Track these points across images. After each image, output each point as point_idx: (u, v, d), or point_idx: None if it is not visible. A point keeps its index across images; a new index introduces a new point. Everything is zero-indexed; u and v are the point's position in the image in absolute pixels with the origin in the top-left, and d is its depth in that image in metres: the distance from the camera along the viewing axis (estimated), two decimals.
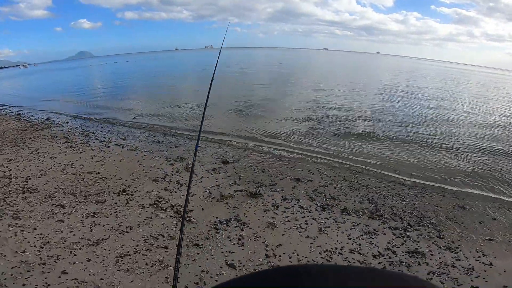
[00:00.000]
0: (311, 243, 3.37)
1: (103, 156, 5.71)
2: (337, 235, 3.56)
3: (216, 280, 2.71)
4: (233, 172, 5.15)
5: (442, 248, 3.42)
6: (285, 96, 14.68)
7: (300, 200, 4.30)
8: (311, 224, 3.75)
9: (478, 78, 44.23)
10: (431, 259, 3.21)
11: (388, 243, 3.46)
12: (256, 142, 7.23)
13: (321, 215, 3.99)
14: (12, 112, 11.69)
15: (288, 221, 3.76)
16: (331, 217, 3.96)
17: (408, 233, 3.69)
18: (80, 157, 5.67)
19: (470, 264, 3.13)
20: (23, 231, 3.38)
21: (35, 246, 3.12)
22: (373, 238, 3.53)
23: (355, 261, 3.11)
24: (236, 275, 2.73)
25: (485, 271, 3.03)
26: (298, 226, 3.68)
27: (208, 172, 5.09)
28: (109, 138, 7.03)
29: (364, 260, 3.14)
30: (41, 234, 3.30)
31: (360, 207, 4.30)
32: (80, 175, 4.86)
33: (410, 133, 8.51)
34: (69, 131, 7.83)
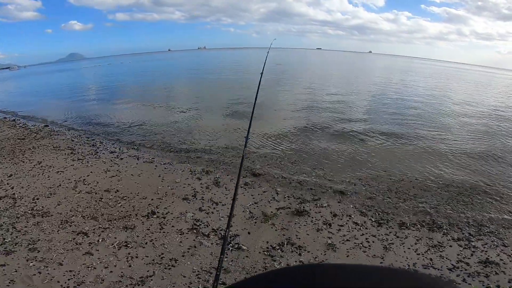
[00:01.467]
0: (381, 262, 2.97)
1: (118, 170, 5.10)
2: (404, 252, 3.23)
3: None
4: (267, 186, 4.65)
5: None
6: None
7: (352, 216, 3.85)
8: (373, 241, 3.35)
9: (472, 77, 44.86)
10: (505, 268, 3.01)
11: (458, 254, 3.22)
12: (285, 147, 6.75)
13: (380, 231, 3.59)
14: (5, 118, 10.87)
15: (347, 240, 3.33)
16: (390, 232, 3.58)
17: (473, 243, 3.44)
18: (91, 172, 5.06)
19: None
20: (46, 267, 2.81)
21: (68, 287, 2.57)
22: (441, 252, 3.26)
23: (434, 276, 2.68)
24: None
25: None
26: (360, 244, 3.28)
27: (240, 187, 4.59)
28: (120, 148, 6.37)
29: (442, 274, 2.82)
30: (70, 271, 2.74)
31: (416, 219, 3.93)
32: (96, 193, 4.27)
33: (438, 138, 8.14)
34: (73, 140, 7.13)
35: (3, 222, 3.61)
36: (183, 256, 2.97)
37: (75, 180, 4.70)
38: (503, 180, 5.46)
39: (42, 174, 5.07)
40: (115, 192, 4.29)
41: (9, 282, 2.66)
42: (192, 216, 3.67)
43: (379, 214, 4.00)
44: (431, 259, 3.11)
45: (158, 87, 19.85)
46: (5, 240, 3.26)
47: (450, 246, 3.37)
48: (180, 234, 3.31)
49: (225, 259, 2.94)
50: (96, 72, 44.49)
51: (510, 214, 4.27)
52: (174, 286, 2.61)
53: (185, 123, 9.11)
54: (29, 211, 3.86)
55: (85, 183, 4.61)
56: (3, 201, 4.20)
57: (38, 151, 6.41)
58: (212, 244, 3.17)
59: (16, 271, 2.79)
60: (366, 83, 22.49)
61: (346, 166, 5.70)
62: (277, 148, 6.70)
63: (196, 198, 4.13)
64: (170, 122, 9.15)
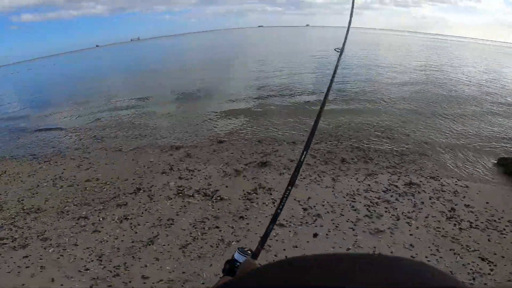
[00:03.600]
0: (333, 191, 3.92)
1: (90, 163, 5.37)
2: (348, 181, 4.19)
3: (277, 240, 3.07)
4: (234, 149, 5.38)
5: (428, 178, 4.24)
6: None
7: (305, 159, 4.78)
8: (324, 176, 4.31)
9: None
10: (425, 187, 3.97)
11: (388, 179, 4.19)
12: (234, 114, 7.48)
13: (327, 167, 4.57)
14: None
15: (304, 178, 4.24)
16: (335, 167, 4.57)
17: (398, 170, 4.47)
18: (64, 169, 5.26)
19: (453, 188, 3.97)
20: (65, 249, 3.22)
21: (92, 261, 3.02)
22: (375, 178, 4.24)
23: (373, 198, 3.72)
24: (289, 231, 3.16)
25: (466, 192, 3.88)
26: (314, 180, 4.20)
27: (210, 154, 5.24)
28: (84, 145, 6.49)
29: (380, 196, 3.77)
30: (87, 248, 3.20)
31: (354, 155, 5.00)
32: (78, 185, 4.60)
33: None
34: (29, 147, 6.97)
35: (3, 224, 3.81)
36: (177, 215, 3.61)
37: (51, 179, 4.91)
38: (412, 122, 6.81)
39: (14, 180, 5.13)
40: (96, 180, 4.66)
41: (41, 268, 2.98)
42: (175, 183, 4.28)
43: (325, 155, 5.00)
44: (369, 185, 4.03)
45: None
46: (15, 237, 3.51)
47: (382, 173, 4.36)
48: (169, 200, 3.92)
49: (212, 209, 3.65)
50: (17, 80, 39.06)
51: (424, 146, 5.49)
52: (178, 238, 3.25)
53: (139, 115, 9.20)
54: (21, 211, 4.08)
55: (62, 179, 4.87)
56: None
57: None
58: (198, 201, 3.85)
59: (40, 259, 3.11)
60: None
61: (294, 122, 6.66)
62: (236, 118, 7.41)
63: (173, 170, 4.72)
64: (126, 116, 9.14)
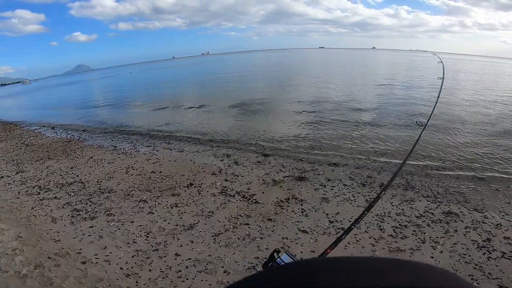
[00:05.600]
0: (364, 210, 4.05)
1: (157, 158, 6.43)
2: (382, 204, 4.24)
3: (297, 243, 3.39)
4: (275, 162, 5.86)
5: (471, 209, 4.08)
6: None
7: (342, 180, 4.99)
8: (358, 196, 4.45)
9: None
10: (464, 218, 3.86)
11: (425, 207, 4.14)
12: (285, 132, 7.96)
13: (363, 189, 4.69)
14: (44, 126, 12.44)
15: (338, 195, 4.46)
16: (372, 190, 4.66)
17: (439, 199, 4.37)
18: (136, 161, 6.39)
19: (498, 221, 3.77)
20: (123, 225, 4.00)
21: (141, 236, 3.71)
22: (411, 204, 4.22)
23: (403, 221, 3.77)
24: (311, 238, 3.45)
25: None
26: (348, 198, 4.38)
27: (254, 164, 5.80)
28: (154, 143, 7.77)
29: (410, 220, 3.80)
30: (140, 225, 3.94)
31: (394, 182, 5.00)
32: (145, 175, 5.58)
33: None
34: (112, 140, 8.57)
35: (82, 199, 4.90)
36: (217, 209, 4.20)
37: (125, 167, 6.03)
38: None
39: (97, 165, 6.43)
40: (159, 173, 5.59)
41: (99, 237, 3.76)
42: (221, 184, 4.92)
43: (364, 178, 5.11)
44: (402, 209, 4.08)
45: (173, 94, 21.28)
46: (88, 210, 4.50)
47: (420, 201, 4.33)
48: (214, 196, 4.55)
49: (246, 209, 4.15)
50: (109, 83, 46.53)
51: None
52: (213, 227, 3.80)
53: (201, 122, 10.48)
54: (98, 190, 5.17)
55: (134, 168, 5.94)
56: (75, 185, 5.52)
57: (86, 150, 7.82)
58: (236, 201, 4.38)
59: (101, 230, 3.93)
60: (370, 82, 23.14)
61: (340, 145, 6.86)
62: (284, 136, 7.91)
63: (221, 173, 5.39)
64: (190, 120, 10.52)
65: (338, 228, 3.62)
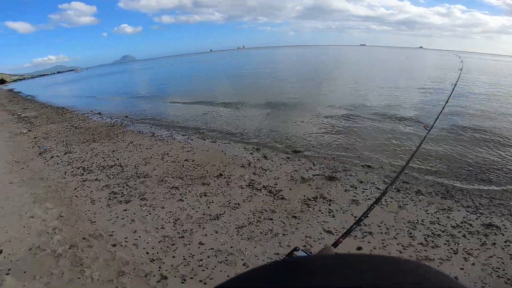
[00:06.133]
0: (395, 216, 3.86)
1: (191, 147, 6.65)
2: (416, 211, 4.01)
3: (320, 243, 3.33)
4: (306, 160, 5.76)
5: None
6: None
7: (375, 183, 4.77)
8: (391, 202, 4.23)
9: None
10: (506, 231, 3.53)
11: (464, 217, 3.83)
12: (319, 130, 7.79)
13: (398, 195, 4.45)
14: (91, 111, 13.43)
15: (369, 199, 4.28)
16: (407, 196, 4.41)
17: (480, 211, 4.02)
18: (171, 148, 6.67)
19: None
20: (154, 210, 4.19)
21: (169, 222, 3.86)
22: (448, 214, 3.93)
23: (437, 230, 3.53)
24: (335, 239, 3.36)
25: None
26: (380, 203, 4.18)
27: (284, 160, 5.76)
28: (189, 133, 8.09)
29: (445, 230, 3.55)
30: (170, 212, 4.11)
31: (432, 189, 4.69)
32: (179, 162, 5.80)
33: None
34: (151, 127, 9.03)
35: (120, 182, 5.21)
36: (243, 201, 4.24)
37: (161, 154, 6.32)
38: None
39: (136, 149, 6.80)
40: (192, 161, 5.78)
41: (131, 221, 3.97)
42: (249, 177, 4.96)
43: (399, 183, 4.84)
44: (438, 218, 3.82)
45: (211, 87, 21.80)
46: (124, 193, 4.76)
47: (458, 211, 4.03)
48: (241, 189, 4.60)
49: (272, 204, 4.14)
50: (151, 73, 48.94)
51: None
52: (238, 220, 3.86)
53: (234, 115, 10.62)
54: (134, 174, 5.47)
55: (169, 155, 6.20)
56: (114, 168, 5.89)
57: (127, 135, 8.30)
58: (262, 195, 4.40)
59: (134, 214, 4.14)
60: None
61: (376, 147, 6.55)
62: (317, 133, 7.74)
63: (250, 166, 5.43)
64: (223, 112, 10.71)
65: (365, 232, 3.49)
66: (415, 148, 2.20)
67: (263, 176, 5.04)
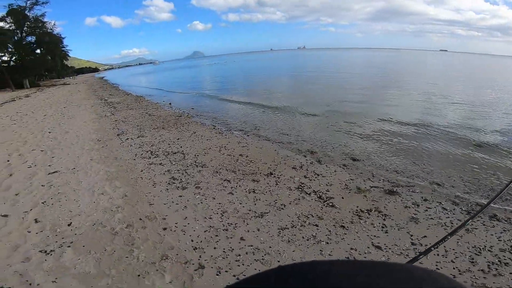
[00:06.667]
0: (458, 240, 3.39)
1: (246, 143, 6.82)
2: (485, 236, 3.47)
3: (365, 257, 3.10)
4: (364, 169, 5.41)
5: None
6: None
7: (443, 203, 4.26)
8: (457, 224, 3.73)
9: None
10: None
11: None
12: (383, 138, 7.24)
13: (467, 217, 3.90)
14: (163, 101, 14.70)
15: (431, 218, 3.83)
16: (477, 220, 3.83)
17: None
18: (228, 142, 6.92)
19: None
20: (205, 199, 4.38)
21: (217, 213, 3.99)
22: None
23: (505, 258, 3.02)
24: (383, 256, 3.10)
25: None
26: (443, 224, 3.72)
27: (339, 166, 5.50)
28: (246, 129, 8.30)
29: None
30: (219, 203, 4.26)
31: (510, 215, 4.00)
32: (233, 156, 5.99)
33: None
34: (213, 120, 9.51)
35: (180, 169, 5.59)
36: (289, 203, 4.18)
37: (219, 146, 6.61)
38: None
39: (198, 140, 7.24)
40: (246, 157, 5.91)
41: (184, 207, 4.20)
42: (299, 179, 4.87)
43: (471, 206, 4.24)
44: (511, 246, 3.32)
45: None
46: (181, 180, 5.08)
47: None
48: (289, 190, 4.54)
49: (320, 210, 4.00)
50: (217, 69, 51.57)
51: None
52: (281, 221, 3.80)
53: (290, 117, 10.51)
54: (194, 163, 5.81)
55: (226, 148, 6.46)
56: (177, 155, 6.35)
57: (192, 125, 8.89)
58: (311, 200, 4.27)
59: (188, 201, 4.38)
60: None
61: (448, 165, 5.81)
62: (379, 141, 7.20)
63: (302, 169, 5.32)
64: (281, 115, 10.69)
65: (418, 251, 3.14)
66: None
67: (314, 180, 4.89)
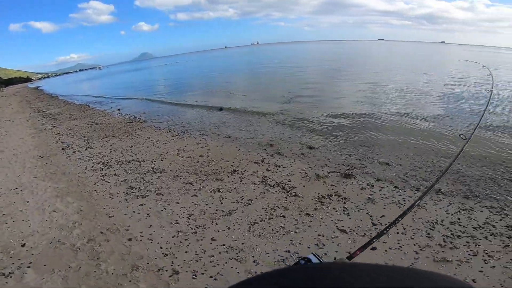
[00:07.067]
0: (413, 216, 3.72)
1: (206, 143, 6.71)
2: (435, 210, 3.84)
3: (333, 242, 3.27)
4: (321, 156, 5.67)
5: None
6: None
7: (393, 181, 4.62)
8: (408, 200, 4.09)
9: None
10: None
11: (486, 218, 3.64)
12: (334, 126, 7.63)
13: (416, 194, 4.29)
14: (111, 108, 13.81)
15: (386, 197, 4.15)
16: (426, 195, 4.22)
17: (505, 211, 3.80)
18: (187, 144, 6.76)
19: None
20: (169, 205, 4.26)
21: (183, 217, 3.91)
22: (470, 214, 3.74)
23: (457, 231, 3.38)
24: (349, 238, 3.30)
25: None
26: (397, 201, 4.05)
27: (298, 156, 5.70)
28: (204, 128, 8.15)
29: (466, 231, 3.39)
30: (184, 207, 4.16)
31: (454, 188, 4.48)
32: (194, 158, 5.87)
33: None
34: (167, 123, 9.18)
35: (137, 177, 5.33)
36: (256, 198, 4.23)
37: (177, 149, 6.41)
38: None
39: (153, 145, 6.94)
40: (207, 157, 5.83)
41: (147, 216, 4.04)
42: (262, 173, 4.94)
43: (419, 181, 4.67)
44: (458, 219, 3.64)
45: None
46: (140, 188, 4.87)
47: (481, 211, 3.81)
48: (254, 185, 4.59)
49: (285, 201, 4.11)
50: (168, 71, 49.94)
51: None
52: (250, 216, 3.85)
53: (249, 112, 10.61)
54: (151, 169, 5.58)
55: (185, 151, 6.29)
56: (132, 163, 6.04)
57: (145, 130, 8.49)
58: (275, 192, 4.36)
59: (150, 209, 4.22)
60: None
61: (395, 145, 6.34)
62: (332, 130, 7.59)
63: (264, 162, 5.41)
64: (239, 111, 10.73)
65: (379, 230, 3.39)
66: (450, 162, 1.99)
67: (276, 172, 5.01)
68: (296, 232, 3.43)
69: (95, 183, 5.18)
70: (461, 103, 10.31)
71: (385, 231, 1.26)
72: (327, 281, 0.27)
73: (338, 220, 3.66)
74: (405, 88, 13.98)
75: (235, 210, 4.00)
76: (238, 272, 2.82)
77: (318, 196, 4.20)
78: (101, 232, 3.69)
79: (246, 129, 8.02)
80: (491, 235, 3.29)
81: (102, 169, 5.82)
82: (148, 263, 3.05)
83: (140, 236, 3.56)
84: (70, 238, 3.63)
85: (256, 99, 12.86)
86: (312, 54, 62.53)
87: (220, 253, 3.14)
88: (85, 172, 5.74)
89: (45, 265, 3.16)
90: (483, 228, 3.43)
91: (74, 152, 7.09)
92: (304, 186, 4.52)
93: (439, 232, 3.36)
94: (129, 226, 3.80)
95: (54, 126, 10.65)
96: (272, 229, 3.54)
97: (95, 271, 3.00)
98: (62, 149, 7.46)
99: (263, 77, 23.44)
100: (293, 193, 4.29)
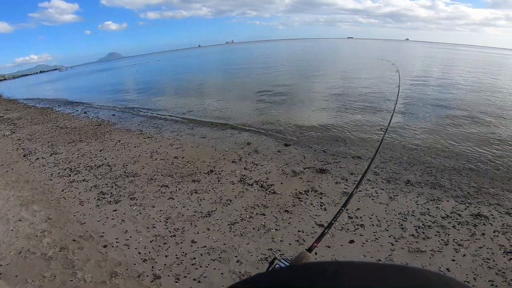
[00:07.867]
0: (385, 208, 3.89)
1: (181, 144, 6.56)
2: (406, 202, 4.04)
3: (313, 237, 3.33)
4: (296, 152, 5.75)
5: (502, 213, 3.77)
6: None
7: (366, 175, 4.78)
8: (381, 193, 4.26)
9: None
10: (493, 221, 3.57)
11: (453, 207, 3.89)
12: (310, 124, 7.78)
13: (388, 186, 4.48)
14: (77, 110, 13.10)
15: (360, 191, 4.28)
16: (396, 187, 4.44)
17: (469, 200, 4.08)
18: (160, 146, 6.56)
19: None
20: (144, 209, 4.11)
21: (160, 221, 3.79)
22: (438, 204, 3.98)
23: (427, 221, 3.58)
24: (328, 233, 3.37)
25: None
26: (370, 194, 4.21)
27: (274, 153, 5.74)
28: (178, 129, 7.95)
29: (435, 221, 3.60)
30: (160, 210, 4.04)
31: (422, 179, 4.73)
32: (168, 160, 5.71)
33: None
34: (139, 124, 8.87)
35: (108, 182, 5.09)
36: (235, 197, 4.21)
37: (150, 152, 6.21)
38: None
39: (124, 148, 6.67)
40: (182, 158, 5.70)
41: (121, 221, 3.88)
42: (240, 172, 4.92)
43: (389, 174, 4.88)
44: (428, 209, 3.85)
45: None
46: (113, 194, 4.65)
47: (447, 201, 4.06)
48: (232, 184, 4.56)
49: (264, 199, 4.12)
50: (138, 70, 48.33)
51: None
52: (230, 216, 3.82)
53: (224, 110, 10.55)
54: (123, 174, 5.36)
55: (158, 153, 6.10)
56: (102, 168, 5.76)
57: (115, 133, 8.13)
58: (254, 190, 4.37)
59: (124, 214, 4.05)
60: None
61: (366, 139, 6.58)
62: (308, 125, 7.74)
63: (241, 161, 5.39)
64: (213, 108, 10.62)
65: (357, 225, 3.50)
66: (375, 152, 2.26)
67: (254, 171, 5.01)
68: (276, 230, 3.45)
69: (63, 190, 4.89)
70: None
71: (333, 221, 1.40)
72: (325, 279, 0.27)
73: (316, 215, 3.73)
74: (371, 84, 14.56)
75: (214, 210, 3.94)
76: (222, 273, 2.79)
77: (296, 192, 4.26)
78: (74, 240, 3.50)
79: (221, 128, 7.94)
80: (458, 224, 3.51)
81: (70, 175, 5.50)
82: (127, 269, 2.93)
83: (116, 242, 3.41)
84: (40, 247, 3.40)
85: (229, 98, 12.79)
86: (284, 52, 63.22)
87: (202, 255, 3.09)
88: (51, 179, 5.39)
89: (16, 276, 2.95)
90: (450, 217, 3.65)
91: (37, 158, 6.63)
92: (281, 183, 4.56)
93: (411, 223, 3.53)
94: (103, 232, 3.63)
95: (14, 132, 9.88)
96: (253, 228, 3.53)
97: (71, 280, 2.84)
98: (24, 156, 6.95)
99: (237, 76, 23.29)
100: (272, 191, 4.31)
